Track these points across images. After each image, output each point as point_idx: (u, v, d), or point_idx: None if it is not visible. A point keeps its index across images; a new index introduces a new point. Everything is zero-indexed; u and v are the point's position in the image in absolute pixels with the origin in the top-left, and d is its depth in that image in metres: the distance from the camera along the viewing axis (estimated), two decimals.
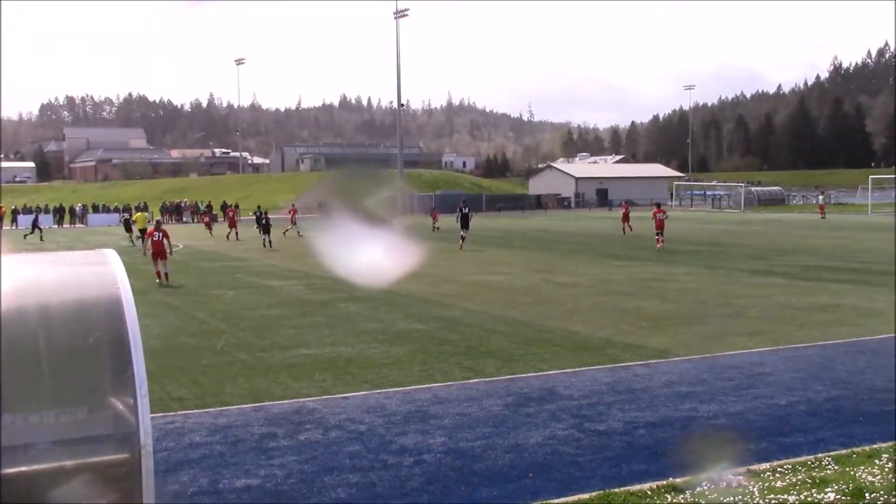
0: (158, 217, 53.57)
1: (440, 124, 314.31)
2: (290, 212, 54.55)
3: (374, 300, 21.69)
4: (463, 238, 40.01)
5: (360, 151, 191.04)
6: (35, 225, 57.44)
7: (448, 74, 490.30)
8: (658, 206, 40.20)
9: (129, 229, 49.03)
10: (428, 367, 13.80)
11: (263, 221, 42.44)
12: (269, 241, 41.53)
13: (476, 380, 12.85)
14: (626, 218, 50.43)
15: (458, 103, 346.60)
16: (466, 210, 41.95)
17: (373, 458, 9.17)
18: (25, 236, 54.44)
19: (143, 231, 40.31)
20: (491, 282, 25.96)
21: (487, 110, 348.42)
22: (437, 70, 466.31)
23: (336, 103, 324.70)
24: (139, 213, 49.66)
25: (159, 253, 26.55)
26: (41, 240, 53.41)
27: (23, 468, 5.91)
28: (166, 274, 26.72)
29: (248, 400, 11.84)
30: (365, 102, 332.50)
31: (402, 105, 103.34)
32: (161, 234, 26.87)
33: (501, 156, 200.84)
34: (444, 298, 22.05)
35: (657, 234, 37.80)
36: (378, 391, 12.17)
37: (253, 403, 11.64)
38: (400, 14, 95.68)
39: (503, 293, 23.13)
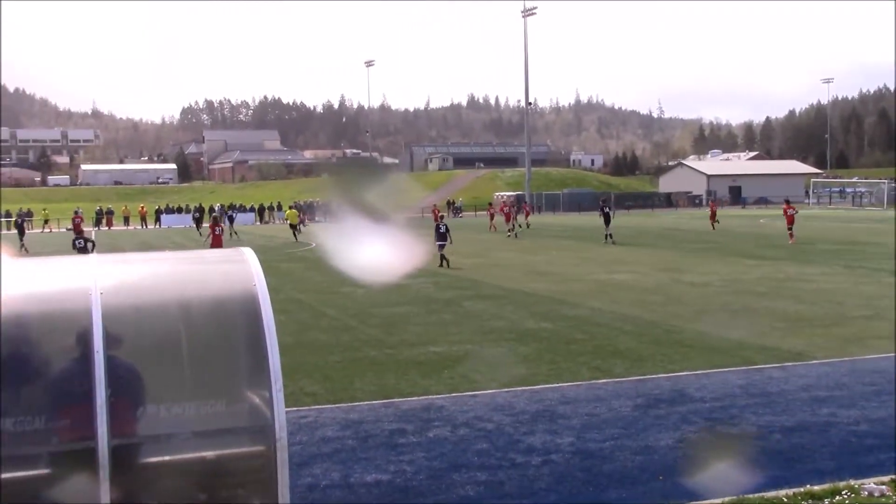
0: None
1: (568, 122, 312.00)
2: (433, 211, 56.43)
3: (500, 298, 21.71)
4: (608, 236, 41.64)
5: (488, 150, 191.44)
6: (231, 222, 58.45)
7: (576, 72, 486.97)
8: (787, 202, 41.25)
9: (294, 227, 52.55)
10: (555, 366, 13.72)
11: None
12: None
13: (604, 380, 12.71)
14: (713, 216, 52.74)
15: (585, 101, 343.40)
16: (608, 209, 43.63)
17: (501, 457, 9.18)
18: (231, 235, 53.66)
19: (293, 226, 50.86)
20: (618, 281, 25.62)
21: (616, 107, 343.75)
22: (564, 68, 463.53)
23: (464, 103, 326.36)
24: (290, 210, 56.91)
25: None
26: (230, 236, 52.12)
27: (166, 458, 6.16)
28: None
29: (378, 396, 12.03)
30: (493, 101, 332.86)
31: (530, 103, 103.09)
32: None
33: (630, 153, 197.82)
34: (571, 297, 21.88)
35: (789, 230, 39.31)
36: (506, 390, 12.17)
37: (383, 399, 11.82)
38: (528, 12, 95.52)
39: (631, 292, 22.79)
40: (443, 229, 31.03)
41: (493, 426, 10.38)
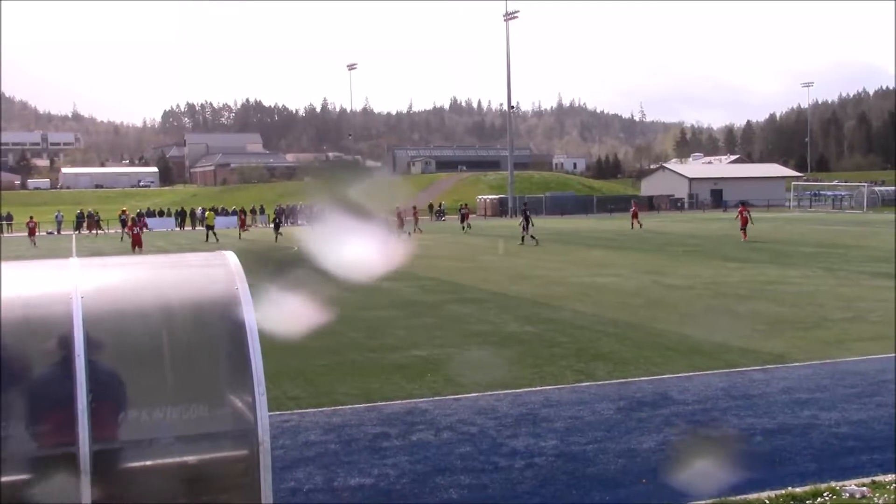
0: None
1: (550, 126, 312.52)
2: (413, 213, 60.91)
3: (483, 302, 21.73)
4: (528, 238, 43.98)
5: (470, 154, 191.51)
6: (277, 226, 56.57)
7: (558, 76, 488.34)
8: (742, 204, 45.69)
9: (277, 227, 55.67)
10: (538, 369, 13.74)
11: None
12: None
13: (587, 383, 12.73)
14: (635, 215, 58.83)
15: (568, 104, 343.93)
16: (528, 212, 46.54)
17: (484, 460, 9.18)
18: (277, 238, 53.74)
19: (210, 227, 55.41)
20: (600, 284, 25.68)
21: (598, 111, 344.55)
22: (547, 72, 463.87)
23: (447, 106, 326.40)
24: (209, 213, 62.34)
25: None
26: (276, 240, 52.61)
27: (147, 462, 6.13)
28: None
29: (362, 400, 12.01)
30: (475, 105, 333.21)
31: (513, 107, 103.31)
32: None
33: (613, 157, 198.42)
34: (554, 300, 21.92)
35: (742, 230, 42.71)
36: (489, 393, 12.17)
37: (366, 403, 11.81)
38: (510, 16, 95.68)
39: (613, 295, 22.86)
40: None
41: (477, 429, 10.38)
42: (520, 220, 47.71)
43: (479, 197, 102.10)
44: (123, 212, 66.79)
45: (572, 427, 10.38)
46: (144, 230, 32.34)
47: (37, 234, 62.46)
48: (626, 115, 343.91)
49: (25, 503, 5.77)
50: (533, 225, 44.87)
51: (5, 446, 5.90)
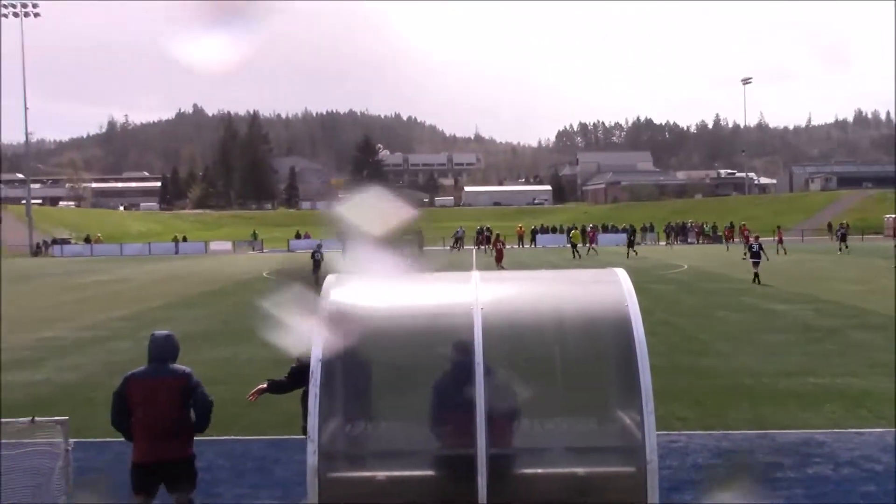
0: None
1: None
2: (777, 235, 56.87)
3: (890, 329, 19.94)
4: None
5: (876, 169, 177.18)
6: (630, 243, 58.44)
7: None
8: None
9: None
10: None
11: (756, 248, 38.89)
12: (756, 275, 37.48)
13: None
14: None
15: None
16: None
17: (892, 502, 8.42)
18: (629, 254, 55.76)
19: (574, 245, 57.55)
20: None
21: None
22: None
23: (850, 118, 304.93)
24: (574, 231, 63.78)
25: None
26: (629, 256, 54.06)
27: (538, 470, 6.35)
28: None
29: (753, 426, 11.54)
30: (883, 117, 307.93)
31: None
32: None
33: None
34: None
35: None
36: None
37: (757, 430, 11.32)
38: None
39: None
40: (755, 248, 33.90)
41: (882, 468, 9.54)
42: None
43: (887, 216, 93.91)
44: (488, 228, 72.46)
45: None
46: (506, 247, 39.99)
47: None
48: None
49: (426, 498, 6.23)
50: None
51: (412, 442, 6.42)
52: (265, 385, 7.90)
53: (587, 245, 62.28)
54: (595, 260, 52.87)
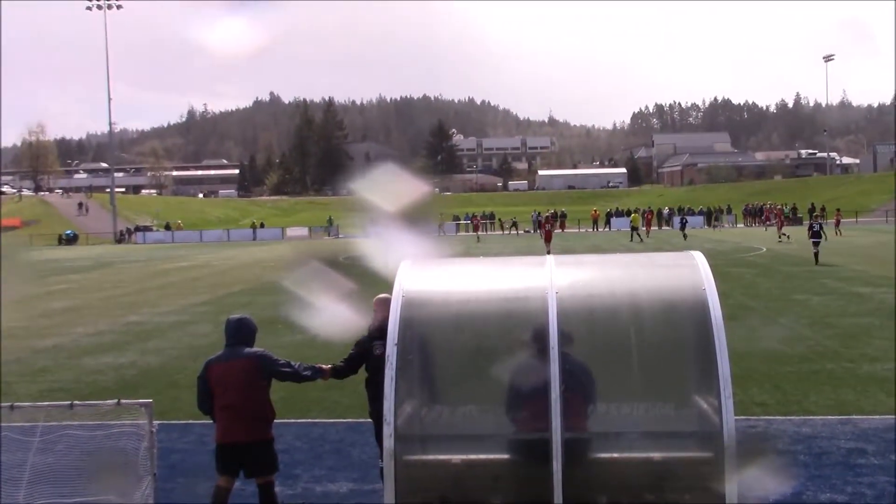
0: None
1: None
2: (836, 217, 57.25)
3: None
4: None
5: None
6: (683, 226, 61.76)
7: None
8: None
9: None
10: None
11: (816, 228, 35.90)
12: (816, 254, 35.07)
13: None
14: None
15: None
16: None
17: None
18: (686, 236, 57.72)
19: (634, 229, 58.60)
20: None
21: None
22: None
23: None
24: (634, 215, 65.23)
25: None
26: (684, 238, 56.20)
27: (615, 455, 6.33)
28: None
29: (834, 411, 11.31)
30: None
31: None
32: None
33: None
34: None
35: None
36: None
37: (839, 416, 11.10)
38: None
39: None
40: (816, 227, 34.30)
41: None
42: None
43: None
44: (539, 213, 75.40)
45: None
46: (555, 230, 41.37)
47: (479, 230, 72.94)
48: None
49: (503, 480, 6.27)
50: None
51: (489, 426, 6.46)
52: (328, 372, 7.88)
53: (645, 229, 63.13)
54: (665, 243, 52.20)
